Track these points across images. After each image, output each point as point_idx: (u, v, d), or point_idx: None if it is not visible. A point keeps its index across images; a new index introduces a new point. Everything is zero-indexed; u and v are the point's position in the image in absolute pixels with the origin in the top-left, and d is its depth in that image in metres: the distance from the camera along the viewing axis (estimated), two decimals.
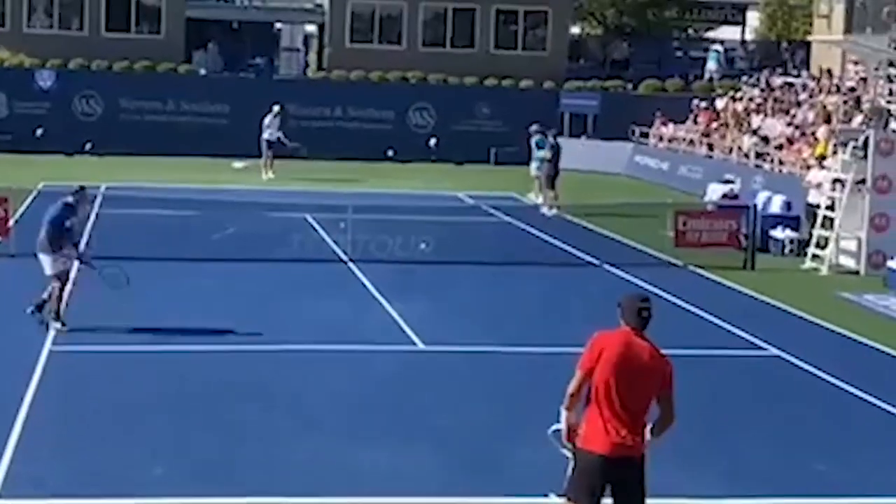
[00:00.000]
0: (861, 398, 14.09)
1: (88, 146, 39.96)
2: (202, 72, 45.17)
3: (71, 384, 13.60)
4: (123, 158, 38.33)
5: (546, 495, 8.94)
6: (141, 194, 28.48)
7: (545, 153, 30.20)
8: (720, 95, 42.88)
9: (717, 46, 52.33)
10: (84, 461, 11.03)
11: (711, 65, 49.13)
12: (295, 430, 12.17)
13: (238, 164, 37.03)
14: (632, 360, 8.13)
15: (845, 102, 33.99)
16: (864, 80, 36.11)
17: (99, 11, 45.06)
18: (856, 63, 37.79)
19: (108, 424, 12.15)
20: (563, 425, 8.31)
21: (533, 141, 31.24)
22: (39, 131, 40.24)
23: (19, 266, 20.30)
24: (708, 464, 11.62)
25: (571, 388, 8.28)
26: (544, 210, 29.50)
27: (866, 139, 23.20)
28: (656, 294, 19.78)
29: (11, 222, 21.81)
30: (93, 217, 25.54)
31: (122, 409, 12.68)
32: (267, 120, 35.46)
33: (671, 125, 41.64)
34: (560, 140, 31.56)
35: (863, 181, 23.03)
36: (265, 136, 35.42)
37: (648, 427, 8.30)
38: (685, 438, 12.11)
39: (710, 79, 47.64)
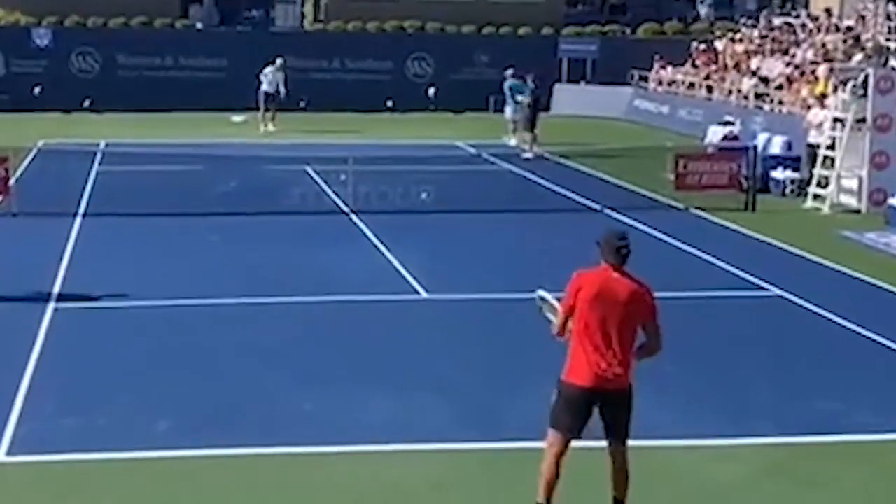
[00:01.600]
0: (864, 336, 14.12)
1: (87, 103, 39.90)
2: (198, 26, 44.98)
3: (75, 342, 13.64)
4: (122, 115, 38.34)
5: None
6: (140, 150, 28.45)
7: (525, 98, 30.54)
8: (719, 37, 42.65)
9: None
10: (89, 418, 11.07)
11: (703, 10, 48.88)
12: (297, 381, 12.21)
13: (237, 117, 37.05)
14: (609, 297, 8.29)
15: (845, 41, 33.83)
16: (863, 18, 35.91)
17: None
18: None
19: (113, 381, 12.18)
20: (547, 294, 8.83)
21: (506, 86, 31.56)
22: (37, 89, 40.13)
23: (20, 225, 20.40)
24: (711, 404, 11.66)
25: (554, 329, 8.66)
26: (527, 154, 29.67)
27: (866, 77, 23.15)
28: (658, 237, 19.84)
29: (12, 181, 21.79)
30: (93, 174, 25.62)
31: (125, 365, 12.72)
32: (268, 72, 35.28)
33: (670, 68, 41.48)
34: (559, 86, 31.66)
35: (863, 120, 23.00)
36: (264, 87, 35.28)
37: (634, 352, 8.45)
38: (688, 380, 12.22)
39: (711, 22, 47.35)
